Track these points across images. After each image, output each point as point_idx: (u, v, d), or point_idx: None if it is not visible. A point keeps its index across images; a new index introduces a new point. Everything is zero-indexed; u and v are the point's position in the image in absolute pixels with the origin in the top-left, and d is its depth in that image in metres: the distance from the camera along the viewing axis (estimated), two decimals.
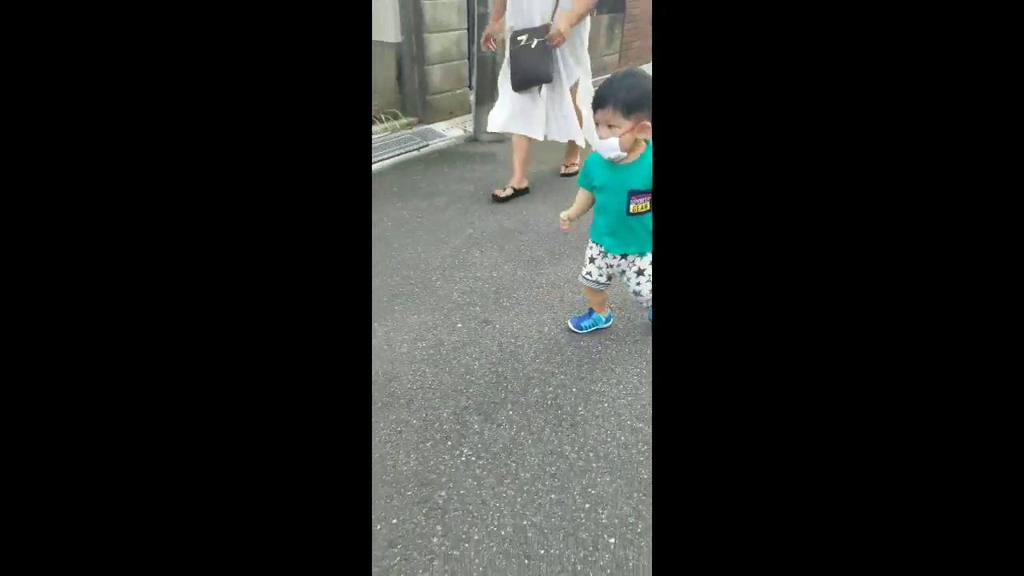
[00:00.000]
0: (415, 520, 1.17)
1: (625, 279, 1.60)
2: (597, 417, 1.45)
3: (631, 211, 1.46)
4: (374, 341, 1.73)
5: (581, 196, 1.58)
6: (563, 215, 1.59)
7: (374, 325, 1.81)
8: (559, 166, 3.18)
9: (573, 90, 2.74)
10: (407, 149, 3.56)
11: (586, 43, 2.72)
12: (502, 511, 1.19)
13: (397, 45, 3.87)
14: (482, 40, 2.91)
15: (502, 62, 2.76)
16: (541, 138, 2.79)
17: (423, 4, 3.74)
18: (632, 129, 1.34)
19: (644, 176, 1.42)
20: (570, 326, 1.79)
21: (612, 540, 1.13)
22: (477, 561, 1.09)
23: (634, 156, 1.42)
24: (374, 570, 1.07)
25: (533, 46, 2.52)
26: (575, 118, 2.73)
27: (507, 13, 2.61)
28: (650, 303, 1.60)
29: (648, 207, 1.46)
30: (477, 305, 1.94)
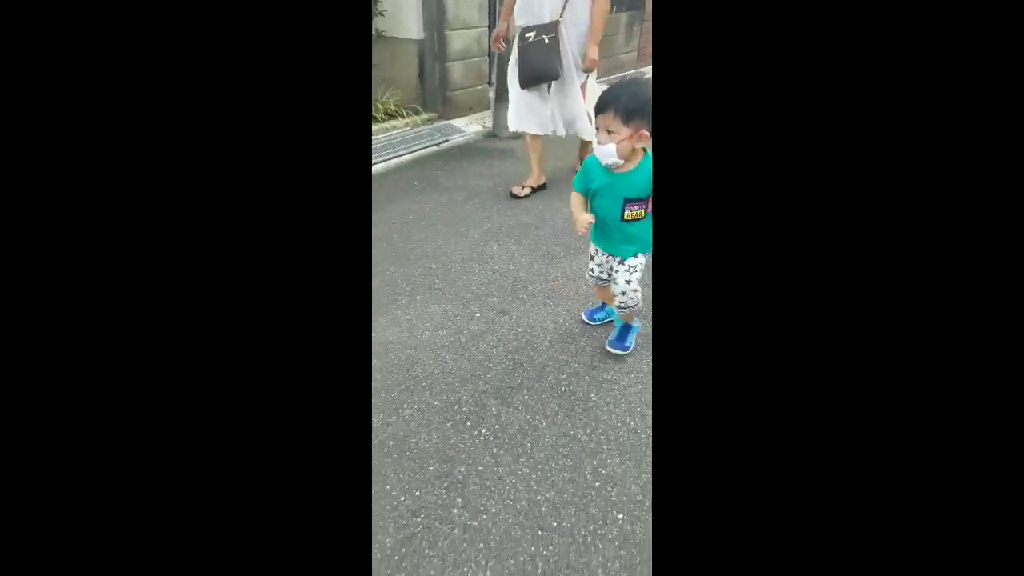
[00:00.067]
0: (437, 493, 1.26)
1: (614, 275, 1.59)
2: (608, 403, 1.53)
3: (625, 218, 1.48)
4: (398, 328, 1.82)
5: (575, 200, 1.54)
6: (578, 225, 1.48)
7: (397, 313, 1.90)
8: (575, 162, 3.24)
9: (584, 88, 2.75)
10: (427, 144, 3.65)
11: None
12: (517, 487, 1.28)
13: (420, 42, 3.95)
14: (492, 40, 2.94)
15: (509, 61, 2.78)
16: (551, 134, 2.81)
17: (445, 1, 3.81)
18: (631, 137, 1.35)
19: (640, 185, 1.43)
20: (583, 318, 1.87)
21: (620, 516, 1.21)
22: (494, 531, 1.18)
23: (631, 165, 1.43)
24: (398, 536, 1.16)
25: (542, 43, 2.52)
26: (585, 115, 2.73)
27: (516, 10, 2.62)
28: (623, 305, 1.59)
29: (642, 214, 1.48)
30: (495, 296, 2.02)
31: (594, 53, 2.59)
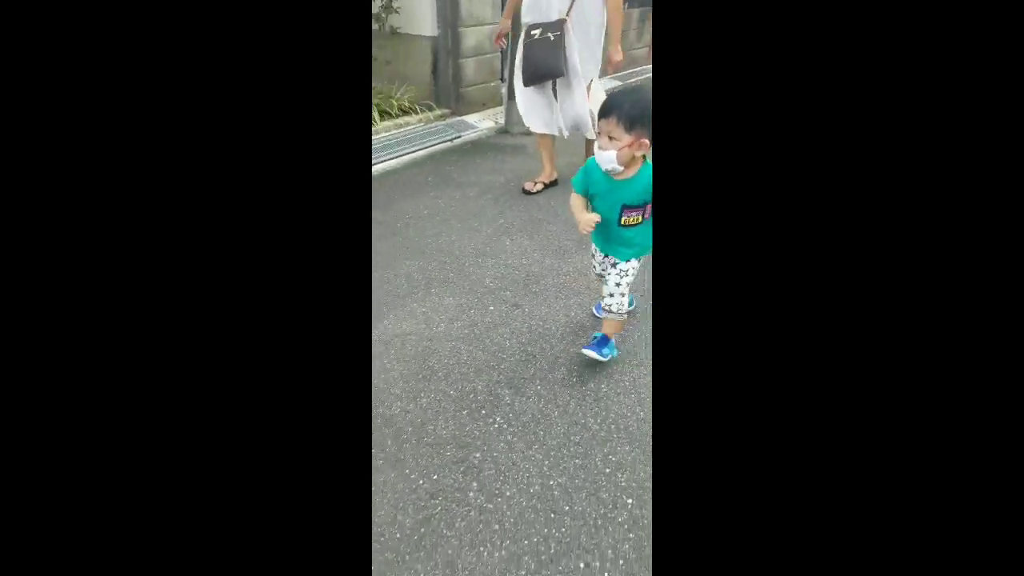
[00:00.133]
0: (453, 477, 1.31)
1: (606, 276, 1.59)
2: (619, 394, 1.58)
3: (622, 223, 1.49)
4: (414, 320, 1.88)
5: (574, 201, 1.54)
6: (582, 226, 1.48)
7: (414, 306, 1.96)
8: (583, 161, 3.26)
9: (588, 87, 2.72)
10: (441, 140, 3.70)
11: (601, 41, 2.68)
12: (531, 472, 1.33)
13: (433, 39, 4.00)
14: (494, 37, 2.94)
15: (514, 59, 2.76)
16: (556, 134, 2.79)
17: None
18: (631, 145, 1.35)
19: (638, 192, 1.44)
20: (593, 311, 1.91)
21: (630, 500, 1.26)
22: (509, 513, 1.23)
23: (631, 172, 1.43)
24: (417, 517, 1.22)
25: (548, 40, 2.50)
26: (588, 115, 2.70)
27: (524, 8, 2.60)
28: (608, 308, 1.59)
29: (639, 220, 1.49)
30: (508, 290, 2.07)
31: (617, 54, 2.59)
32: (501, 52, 4.27)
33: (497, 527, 1.20)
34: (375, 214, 2.63)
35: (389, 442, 1.40)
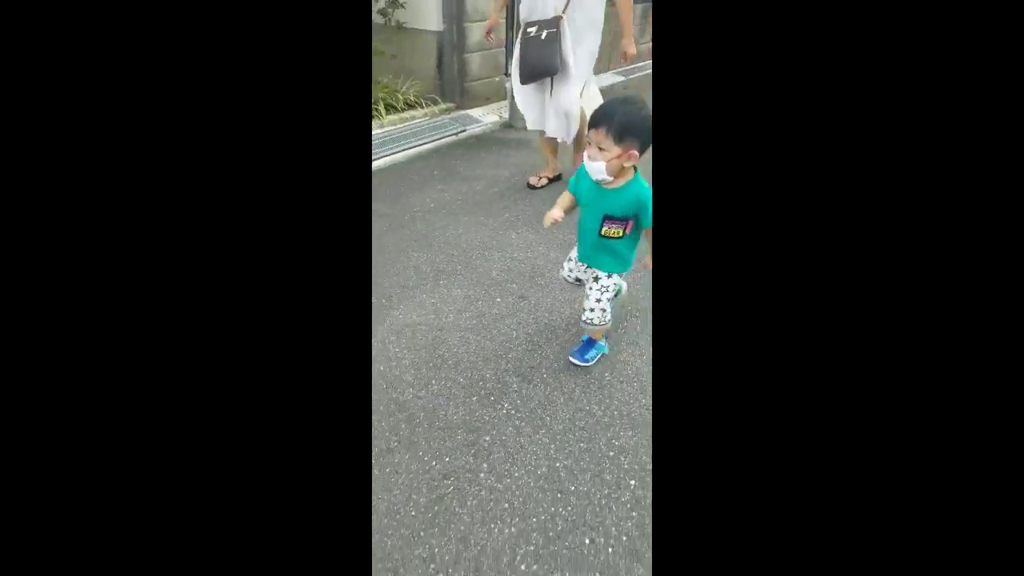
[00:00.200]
0: (464, 459, 1.38)
1: (588, 291, 1.60)
2: (622, 382, 1.64)
3: (602, 234, 1.49)
4: (423, 311, 1.94)
5: (563, 197, 1.58)
6: (546, 218, 1.55)
7: (423, 297, 2.02)
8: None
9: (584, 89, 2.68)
10: (446, 134, 3.75)
11: (599, 38, 2.65)
12: (538, 455, 1.40)
13: (439, 33, 4.04)
14: (484, 33, 2.91)
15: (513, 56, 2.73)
16: (547, 131, 2.77)
17: None
18: (620, 156, 1.35)
19: (623, 205, 1.44)
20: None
21: (633, 482, 1.33)
22: (518, 493, 1.30)
23: (619, 183, 1.43)
24: (431, 496, 1.28)
25: (543, 37, 2.49)
26: (571, 117, 2.66)
27: (522, 5, 2.60)
28: (588, 321, 1.60)
29: (620, 234, 1.48)
30: (514, 282, 2.13)
31: (631, 47, 2.59)
32: (505, 47, 4.31)
33: (507, 505, 1.27)
34: (383, 207, 2.68)
35: (403, 426, 1.47)
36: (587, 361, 1.70)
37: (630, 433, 1.47)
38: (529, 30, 2.55)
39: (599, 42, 2.66)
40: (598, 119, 1.35)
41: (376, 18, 3.94)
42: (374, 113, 3.73)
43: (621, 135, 1.33)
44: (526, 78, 2.64)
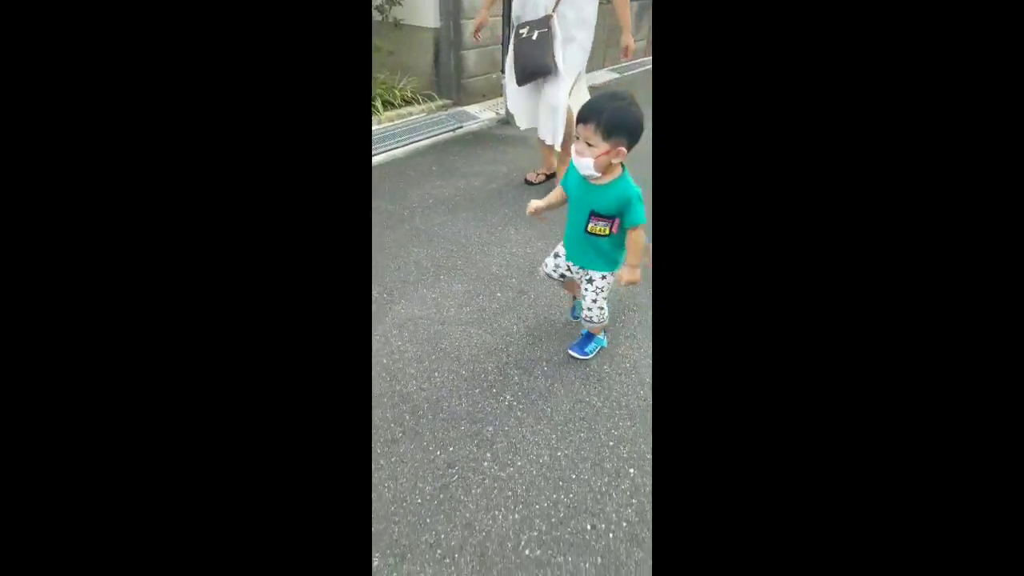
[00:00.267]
0: (468, 449, 1.42)
1: (584, 292, 1.64)
2: (620, 374, 1.68)
3: (588, 230, 1.49)
4: (425, 306, 1.97)
5: (555, 191, 1.61)
6: (529, 206, 1.61)
7: (424, 292, 2.05)
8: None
9: (573, 88, 2.67)
10: (443, 130, 3.77)
11: (591, 35, 2.65)
12: (540, 444, 1.44)
13: (436, 30, 4.05)
14: (473, 31, 2.89)
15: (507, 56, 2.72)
16: (542, 135, 2.75)
17: None
18: (608, 153, 1.35)
19: (609, 202, 1.43)
20: (571, 318, 1.92)
21: (632, 470, 1.37)
22: (520, 481, 1.34)
23: (606, 180, 1.43)
24: (436, 485, 1.32)
25: (534, 38, 2.49)
26: (558, 112, 2.64)
27: (514, 5, 2.59)
28: (588, 318, 1.64)
29: (606, 232, 1.48)
30: (514, 277, 2.17)
31: (631, 41, 2.61)
32: (501, 43, 4.33)
33: (510, 493, 1.30)
34: (382, 203, 2.71)
35: (407, 417, 1.50)
36: (586, 354, 1.74)
37: (629, 423, 1.51)
38: (521, 31, 2.55)
39: (591, 39, 2.65)
40: (586, 114, 1.34)
41: (373, 15, 3.95)
42: (372, 109, 3.75)
43: (610, 131, 1.32)
44: (521, 79, 2.63)
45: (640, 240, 1.48)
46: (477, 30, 2.88)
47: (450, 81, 4.25)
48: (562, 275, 1.70)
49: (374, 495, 1.29)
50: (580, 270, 1.61)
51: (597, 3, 2.59)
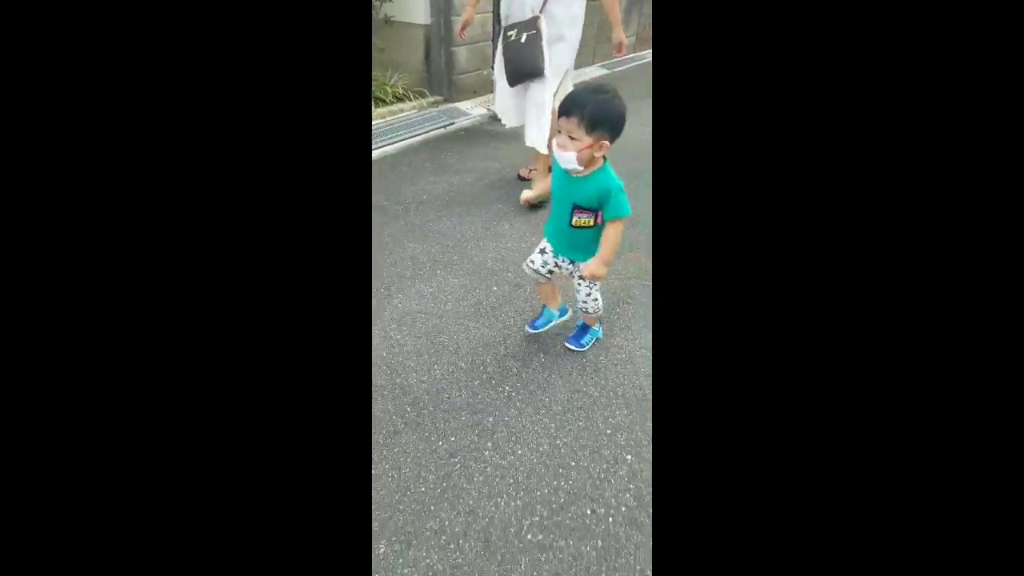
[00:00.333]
0: (470, 439, 1.45)
1: (576, 289, 1.66)
2: (616, 364, 1.72)
3: (572, 224, 1.47)
4: (422, 300, 2.00)
5: (545, 182, 1.60)
6: (524, 194, 1.69)
7: (421, 286, 2.08)
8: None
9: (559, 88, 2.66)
10: (434, 127, 3.78)
11: (579, 33, 2.65)
12: (539, 433, 1.47)
13: (426, 27, 4.06)
14: (458, 29, 2.87)
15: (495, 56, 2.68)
16: (530, 142, 2.73)
17: None
18: (591, 146, 1.34)
19: (590, 194, 1.42)
20: (528, 330, 1.86)
21: (629, 457, 1.41)
22: (521, 469, 1.37)
23: (587, 172, 1.42)
24: (439, 473, 1.35)
25: (523, 40, 2.47)
26: (543, 109, 2.63)
27: (502, 6, 2.59)
28: (584, 310, 1.68)
29: (591, 223, 1.47)
30: (509, 271, 2.20)
31: (623, 37, 2.62)
32: (492, 39, 4.35)
33: (512, 480, 1.34)
34: (377, 199, 2.73)
35: (408, 409, 1.53)
36: (582, 346, 1.78)
37: (625, 412, 1.55)
38: (509, 34, 2.54)
39: (579, 37, 2.65)
40: (569, 107, 1.32)
41: None
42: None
43: (594, 124, 1.31)
44: (513, 81, 2.63)
45: (617, 235, 1.43)
46: (463, 28, 2.87)
47: (441, 77, 4.26)
48: (550, 271, 1.66)
49: (379, 485, 1.32)
50: (571, 264, 1.61)
51: (586, 0, 2.61)
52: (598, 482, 1.34)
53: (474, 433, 1.47)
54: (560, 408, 1.55)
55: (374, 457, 1.38)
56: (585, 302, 1.66)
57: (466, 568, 1.15)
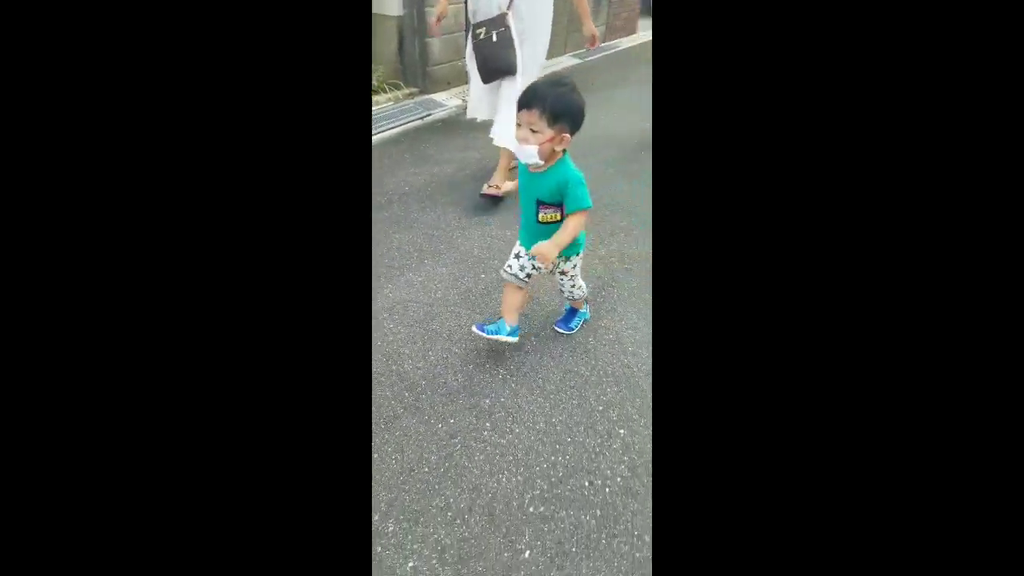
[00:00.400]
0: (468, 420, 1.50)
1: (559, 284, 1.71)
2: (604, 345, 1.78)
3: (540, 220, 1.47)
4: (412, 289, 2.03)
5: (512, 182, 1.62)
6: (505, 184, 1.68)
7: (410, 275, 2.11)
8: None
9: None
10: (411, 119, 3.79)
11: (548, 31, 2.67)
12: (535, 412, 1.53)
13: (399, 18, 4.05)
14: (433, 21, 2.87)
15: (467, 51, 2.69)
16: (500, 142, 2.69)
17: None
18: (552, 139, 1.33)
19: (552, 188, 1.41)
20: (475, 329, 1.66)
21: (622, 431, 1.48)
22: (520, 446, 1.42)
23: (547, 166, 1.41)
24: (441, 454, 1.40)
25: (494, 39, 2.49)
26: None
27: (468, 1, 2.59)
28: (571, 297, 1.75)
29: (557, 218, 1.45)
30: (496, 259, 2.24)
31: (594, 30, 2.67)
32: (465, 30, 4.35)
33: (511, 458, 1.39)
34: None
35: (406, 394, 1.57)
36: (571, 329, 1.84)
37: (615, 389, 1.61)
38: (479, 31, 2.52)
39: (549, 31, 2.66)
40: (529, 100, 1.30)
41: None
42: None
43: (556, 117, 1.30)
44: (487, 78, 2.63)
45: (577, 226, 1.42)
46: (438, 20, 2.85)
47: (415, 69, 4.26)
48: (528, 275, 1.61)
49: (383, 467, 1.35)
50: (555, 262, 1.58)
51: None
52: (593, 455, 1.40)
53: (472, 415, 1.51)
54: (553, 388, 1.61)
55: (376, 441, 1.42)
56: (571, 292, 1.72)
57: (473, 541, 1.20)
